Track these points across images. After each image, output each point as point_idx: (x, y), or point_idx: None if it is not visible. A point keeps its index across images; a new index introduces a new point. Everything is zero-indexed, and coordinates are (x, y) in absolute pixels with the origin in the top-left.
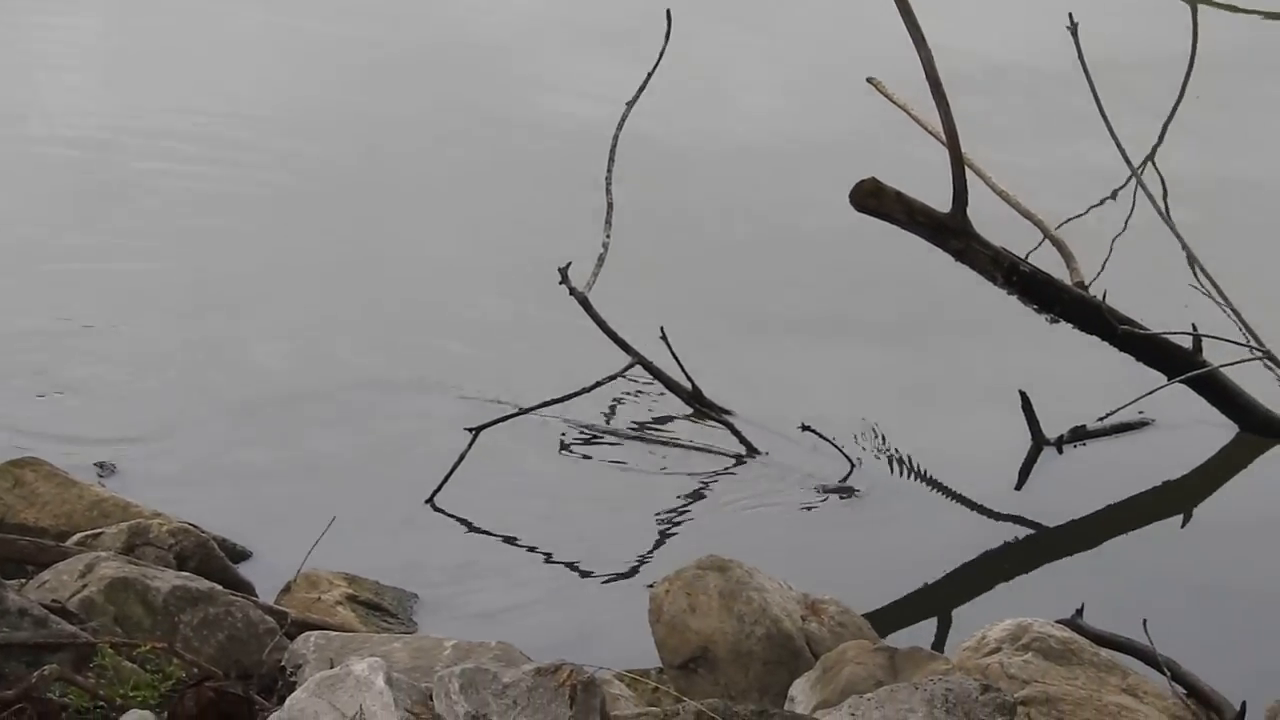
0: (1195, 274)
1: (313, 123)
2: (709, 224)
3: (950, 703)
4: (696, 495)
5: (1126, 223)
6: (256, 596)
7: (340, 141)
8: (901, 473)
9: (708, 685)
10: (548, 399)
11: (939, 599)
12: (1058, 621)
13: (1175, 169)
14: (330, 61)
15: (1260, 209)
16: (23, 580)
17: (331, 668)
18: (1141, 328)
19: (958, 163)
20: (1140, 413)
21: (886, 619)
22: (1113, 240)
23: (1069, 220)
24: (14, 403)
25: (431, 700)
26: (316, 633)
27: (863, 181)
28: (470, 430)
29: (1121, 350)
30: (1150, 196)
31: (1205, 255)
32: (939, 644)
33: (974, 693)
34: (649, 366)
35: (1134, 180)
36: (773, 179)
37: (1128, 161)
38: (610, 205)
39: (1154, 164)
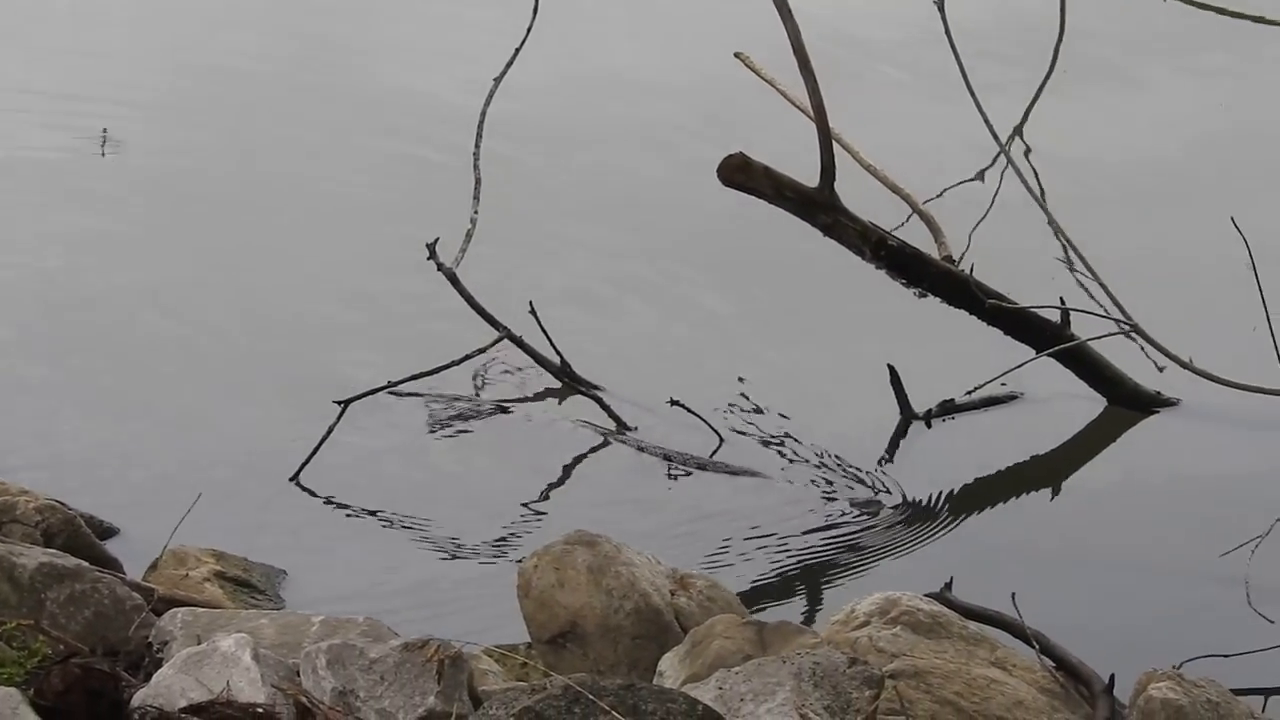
0: (1064, 249)
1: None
2: (578, 199)
3: (818, 676)
4: (566, 471)
5: (994, 197)
6: (124, 573)
7: (197, 118)
8: (769, 447)
9: (577, 660)
10: (416, 373)
11: (808, 574)
12: (926, 595)
13: (1045, 144)
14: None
15: (1128, 184)
16: None
17: (198, 644)
18: (1010, 302)
19: (825, 137)
20: (1003, 384)
21: (756, 594)
22: (982, 215)
23: (941, 194)
24: None
25: (299, 676)
26: (184, 609)
27: (730, 156)
28: (338, 404)
29: (990, 324)
30: (1018, 171)
31: (1074, 230)
32: (808, 619)
33: (841, 666)
34: (517, 341)
35: (1003, 155)
36: (643, 154)
37: (995, 136)
38: (478, 181)
39: (1022, 138)
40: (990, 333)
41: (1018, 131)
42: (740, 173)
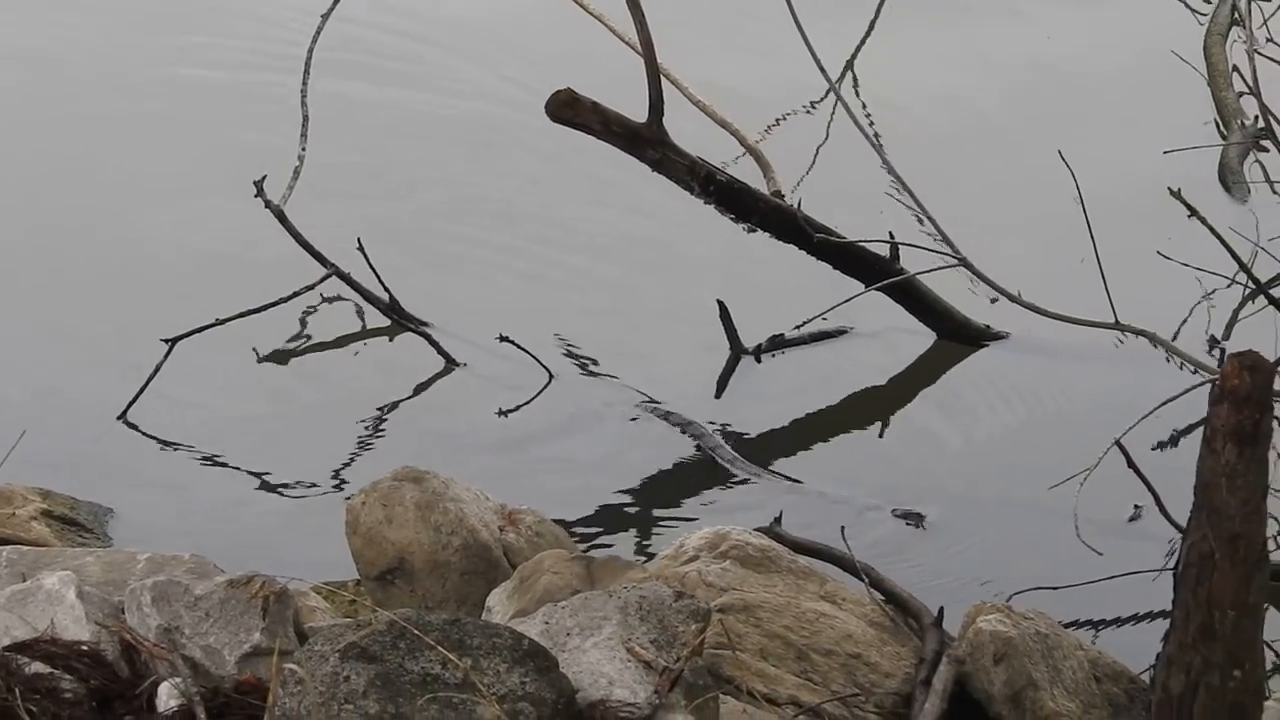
0: (893, 184)
1: None
2: (409, 137)
3: (644, 610)
4: (395, 407)
5: (827, 131)
6: None
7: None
8: (601, 383)
9: (405, 596)
10: (243, 310)
11: (638, 509)
12: (756, 530)
13: (876, 81)
14: None
15: (958, 120)
16: None
17: (23, 582)
18: (838, 236)
19: (653, 73)
20: (824, 319)
21: (586, 530)
22: (813, 151)
23: (769, 130)
24: None
25: (124, 614)
26: (8, 547)
27: (558, 92)
28: (165, 341)
29: (819, 259)
30: (847, 107)
31: (903, 166)
32: (639, 554)
33: (668, 599)
34: (345, 278)
35: (832, 91)
36: (471, 90)
37: (824, 72)
38: (305, 118)
39: (853, 74)
40: (820, 267)
41: (848, 67)
42: (568, 108)
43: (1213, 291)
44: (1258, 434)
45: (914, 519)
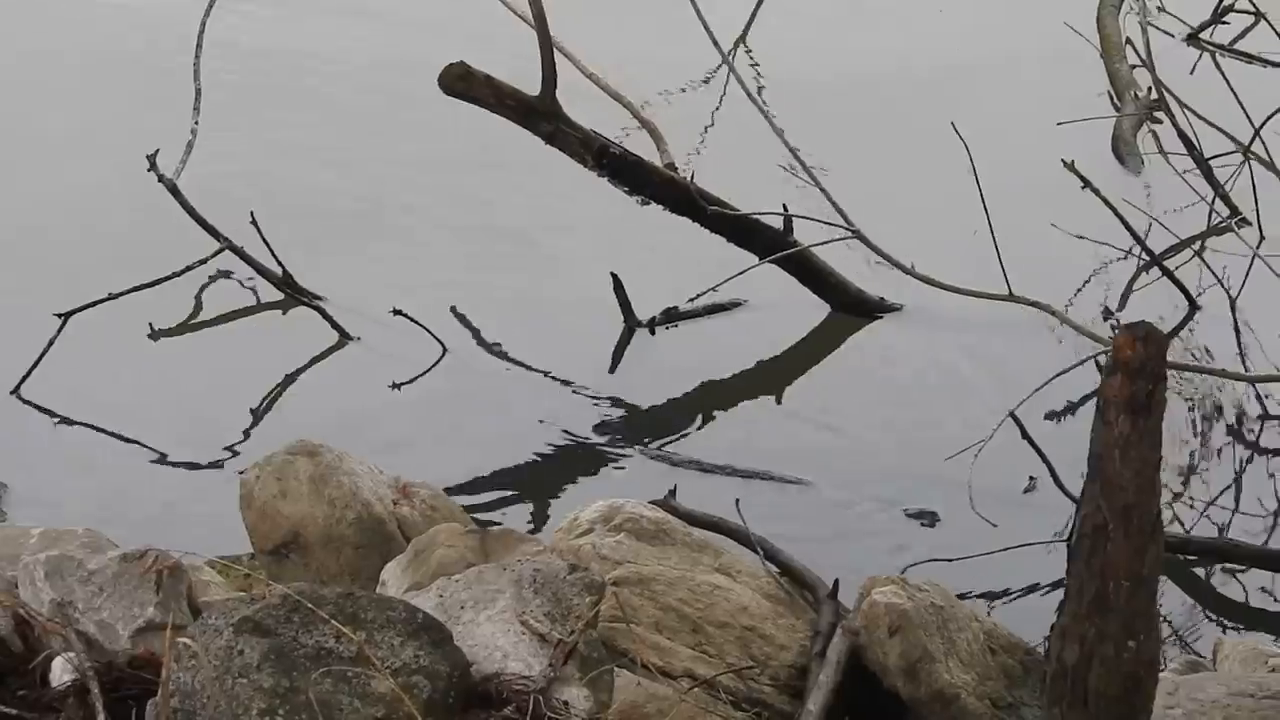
0: (789, 156)
1: None
2: (303, 115)
3: (538, 583)
4: (289, 381)
5: (720, 103)
6: None
7: None
8: (495, 357)
9: (300, 571)
10: (138, 284)
11: (534, 483)
12: (651, 502)
13: (771, 53)
14: None
15: (852, 94)
16: None
17: None
18: (731, 208)
19: (546, 46)
20: (714, 289)
21: (481, 504)
22: (706, 124)
23: (653, 101)
24: None
25: (17, 588)
26: None
27: (451, 65)
28: (59, 316)
29: (712, 231)
30: (740, 80)
31: (798, 139)
32: (534, 527)
33: (562, 572)
34: (238, 251)
35: (726, 64)
36: (366, 64)
37: (716, 45)
38: (198, 92)
39: (747, 48)
40: (715, 240)
41: (741, 41)
42: (461, 81)
43: (1108, 263)
44: (1151, 405)
45: (928, 518)
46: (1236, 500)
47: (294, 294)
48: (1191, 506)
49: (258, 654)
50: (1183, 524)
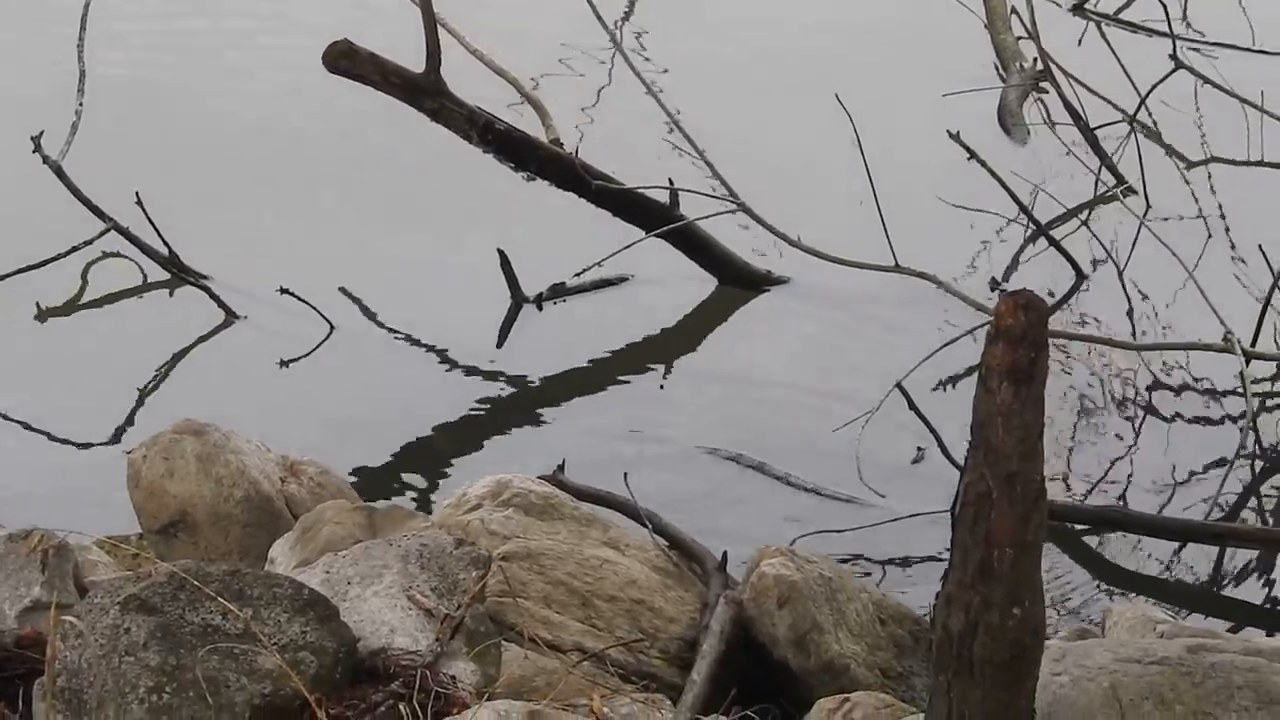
0: (676, 130)
1: None
2: (187, 100)
3: (424, 558)
4: (176, 360)
5: (609, 77)
6: None
7: None
8: (384, 333)
9: (188, 549)
10: (23, 265)
11: (424, 459)
12: (539, 477)
13: (657, 31)
14: None
15: (739, 68)
16: None
17: None
18: (616, 183)
19: (430, 23)
20: (600, 265)
21: (370, 480)
22: (592, 99)
23: (538, 81)
24: None
25: None
26: None
27: (335, 43)
28: None
29: (598, 206)
30: (625, 57)
31: (685, 114)
32: (423, 503)
33: (448, 547)
34: (124, 232)
35: (612, 41)
36: (251, 47)
37: (601, 21)
38: (82, 74)
39: (634, 24)
40: (602, 215)
41: (627, 17)
42: (345, 59)
43: (996, 234)
44: (1033, 372)
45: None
46: (1131, 469)
47: (180, 274)
48: (1083, 476)
49: (144, 632)
50: (1073, 493)
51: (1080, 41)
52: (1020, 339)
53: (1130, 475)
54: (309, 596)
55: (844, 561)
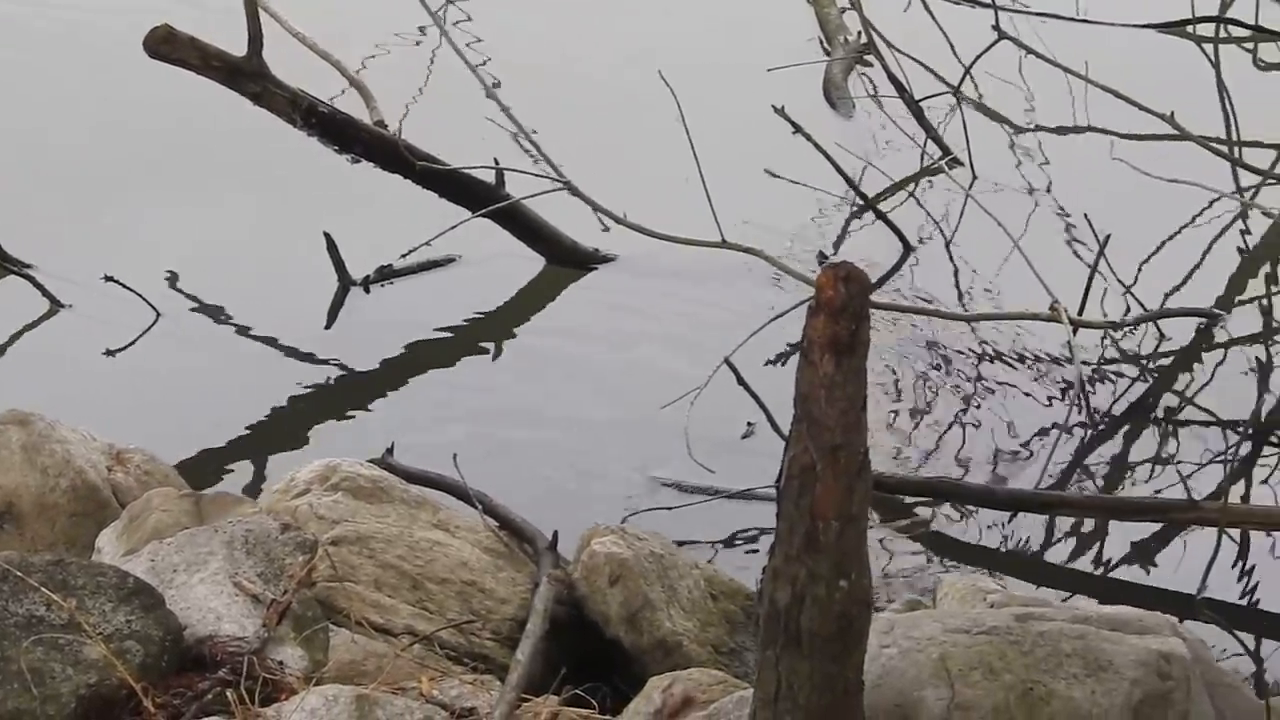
0: (502, 111)
1: None
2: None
3: (250, 544)
4: (0, 350)
5: (433, 56)
6: None
7: None
8: (211, 319)
9: (15, 540)
10: None
11: (252, 445)
12: (368, 461)
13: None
14: None
15: (561, 48)
16: None
17: None
18: (441, 164)
19: (251, 6)
20: (428, 244)
21: (199, 468)
22: (421, 81)
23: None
24: None
25: None
26: None
27: (156, 28)
28: None
29: (424, 187)
30: (449, 38)
31: (511, 95)
32: (253, 490)
33: (274, 532)
34: None
35: (435, 22)
36: (66, 34)
37: (425, 4)
38: None
39: (459, 8)
40: (429, 197)
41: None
42: (166, 44)
43: (825, 208)
44: (854, 344)
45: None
46: (962, 440)
47: (2, 263)
48: (914, 448)
49: None
50: (905, 465)
51: (907, 10)
52: (841, 311)
53: (961, 446)
54: (134, 585)
55: (680, 544)
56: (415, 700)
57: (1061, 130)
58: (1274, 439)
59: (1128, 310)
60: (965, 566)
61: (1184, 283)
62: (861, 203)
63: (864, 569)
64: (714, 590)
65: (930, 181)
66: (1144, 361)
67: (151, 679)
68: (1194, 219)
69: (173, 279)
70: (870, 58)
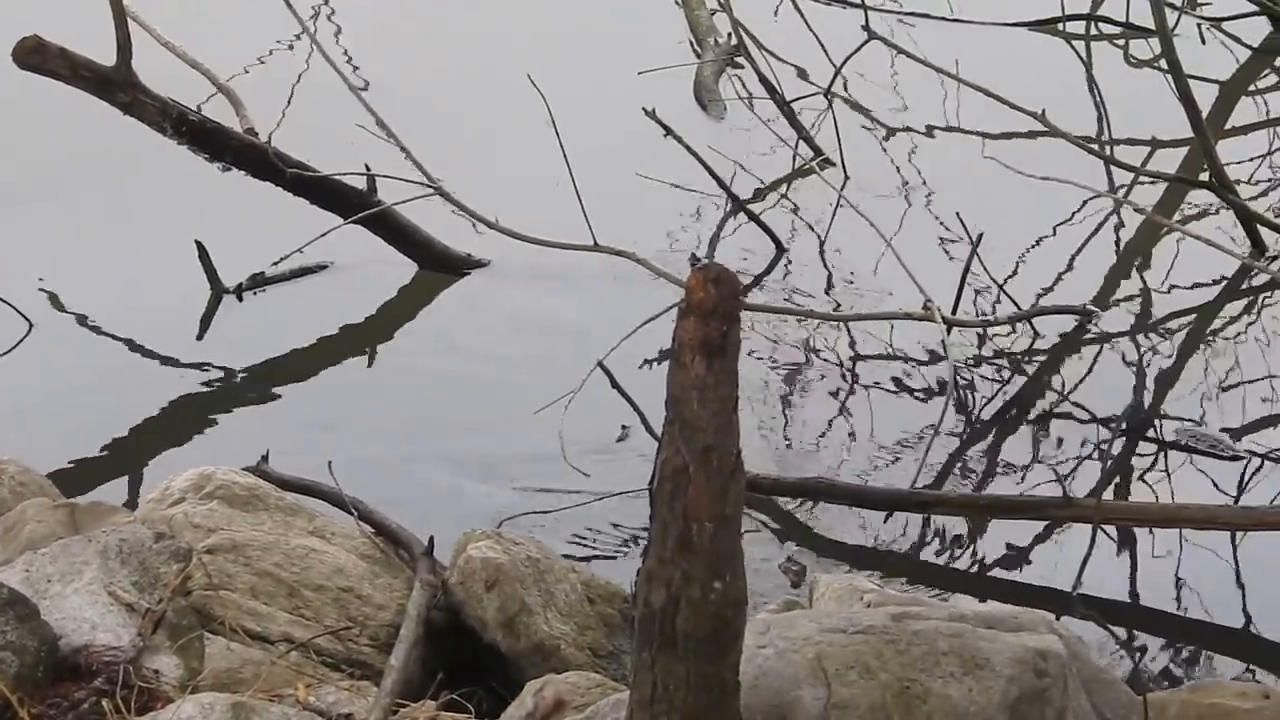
0: (374, 117)
1: None
2: None
3: (124, 553)
4: None
5: (308, 62)
6: None
7: None
8: (84, 328)
9: None
10: None
11: (127, 455)
12: (243, 469)
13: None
14: None
15: (435, 51)
16: None
17: None
18: (312, 170)
19: (120, 15)
20: (300, 251)
21: (74, 478)
22: (289, 90)
23: (243, 71)
24: None
25: None
26: None
27: (25, 39)
28: None
29: (295, 194)
30: (318, 44)
31: (382, 102)
32: (130, 499)
33: (148, 541)
34: None
35: (305, 31)
36: None
37: (296, 15)
38: None
39: (332, 20)
40: (301, 204)
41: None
42: (35, 55)
43: (698, 211)
44: (725, 346)
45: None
46: (838, 440)
47: None
48: (791, 449)
49: None
50: (782, 466)
51: (776, 14)
52: (711, 313)
53: (839, 446)
54: (8, 595)
55: (565, 550)
56: (292, 707)
57: (930, 131)
58: (1148, 436)
59: (998, 307)
60: (842, 566)
61: (1058, 281)
62: (734, 205)
63: (738, 570)
64: (591, 594)
65: (808, 183)
66: (1019, 360)
67: (27, 690)
68: (1070, 217)
69: (45, 290)
70: (741, 59)
